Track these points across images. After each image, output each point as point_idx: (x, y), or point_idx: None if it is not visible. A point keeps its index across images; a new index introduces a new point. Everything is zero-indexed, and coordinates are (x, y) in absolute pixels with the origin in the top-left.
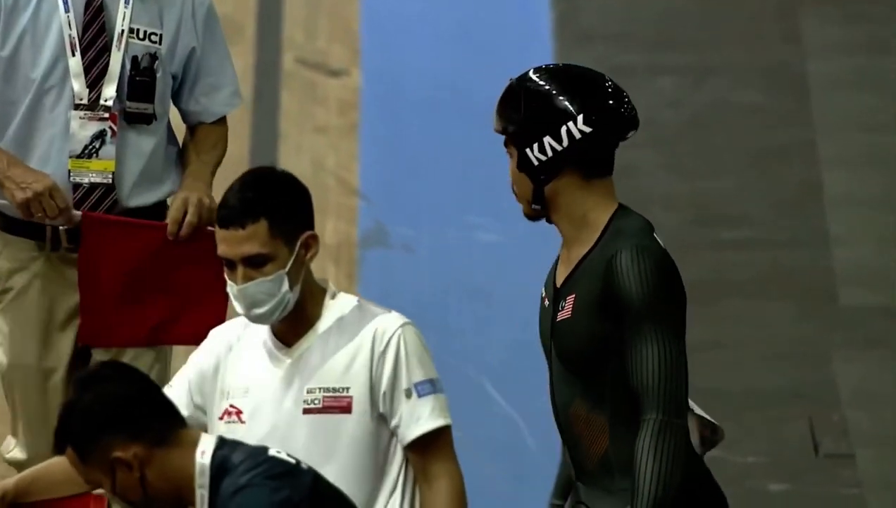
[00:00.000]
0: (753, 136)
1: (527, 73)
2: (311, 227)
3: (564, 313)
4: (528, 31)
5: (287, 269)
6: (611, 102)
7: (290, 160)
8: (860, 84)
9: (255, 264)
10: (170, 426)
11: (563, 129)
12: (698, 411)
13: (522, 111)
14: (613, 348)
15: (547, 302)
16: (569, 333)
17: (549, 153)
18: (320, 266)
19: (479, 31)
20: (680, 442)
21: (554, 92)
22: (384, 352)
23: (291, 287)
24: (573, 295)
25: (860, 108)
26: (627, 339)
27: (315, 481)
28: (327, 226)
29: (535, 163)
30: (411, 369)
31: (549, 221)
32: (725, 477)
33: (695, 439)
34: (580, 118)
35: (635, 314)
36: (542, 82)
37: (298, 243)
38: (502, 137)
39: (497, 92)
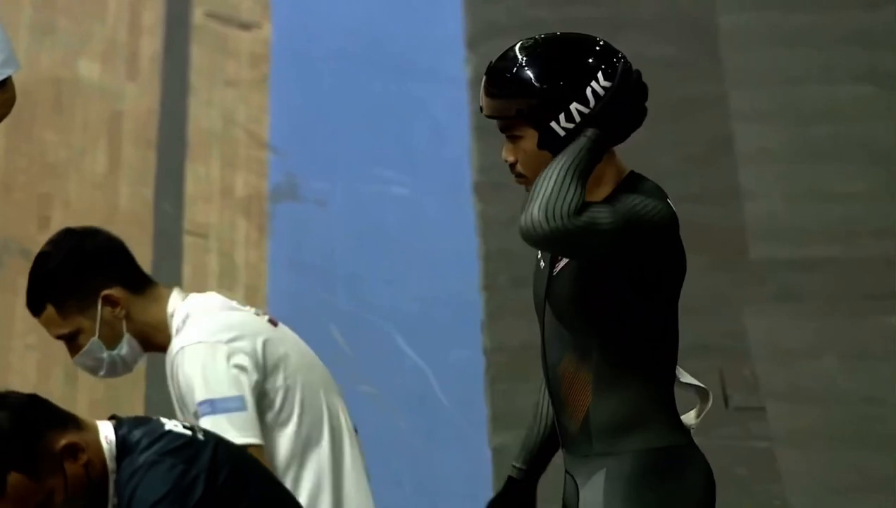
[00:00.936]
0: (665, 90)
1: (516, 49)
2: (111, 282)
3: (563, 262)
4: None
5: (97, 334)
6: (615, 54)
7: (200, 114)
8: (773, 39)
9: (68, 340)
10: (74, 418)
11: (588, 90)
12: (687, 378)
13: (540, 84)
14: (607, 295)
15: (542, 264)
16: (565, 279)
17: (578, 119)
18: (231, 220)
19: None
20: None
21: (565, 57)
22: (171, 376)
23: (112, 346)
24: None
25: (772, 62)
26: None
27: (214, 452)
28: (238, 179)
29: (563, 134)
30: (191, 390)
31: None
32: None
33: (695, 408)
34: (599, 75)
35: None
36: (546, 52)
37: (99, 307)
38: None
39: (408, 43)
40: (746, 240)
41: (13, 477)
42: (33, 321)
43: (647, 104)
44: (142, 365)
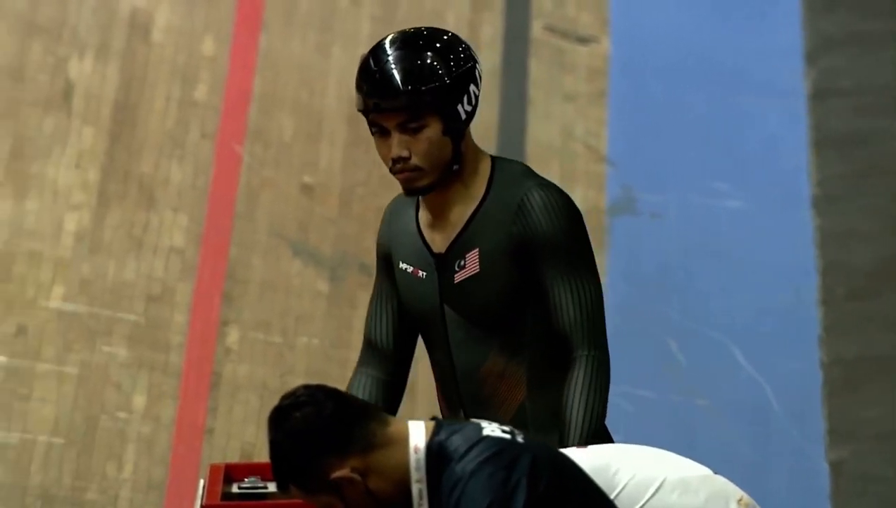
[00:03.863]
0: None
1: (396, 43)
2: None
3: (467, 271)
4: None
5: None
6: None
7: (539, 128)
8: None
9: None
10: (373, 429)
11: (476, 72)
12: None
13: (447, 69)
14: (530, 292)
15: (421, 273)
16: (479, 288)
17: (474, 101)
18: None
19: None
20: (608, 377)
21: (451, 44)
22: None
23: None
24: (475, 250)
25: None
26: (547, 280)
27: (534, 457)
28: (576, 193)
29: (463, 117)
30: None
31: (429, 190)
32: None
33: None
34: (477, 57)
35: (554, 255)
36: (431, 42)
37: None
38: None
39: (741, 56)
40: None
41: (292, 487)
42: None
43: None
44: None
